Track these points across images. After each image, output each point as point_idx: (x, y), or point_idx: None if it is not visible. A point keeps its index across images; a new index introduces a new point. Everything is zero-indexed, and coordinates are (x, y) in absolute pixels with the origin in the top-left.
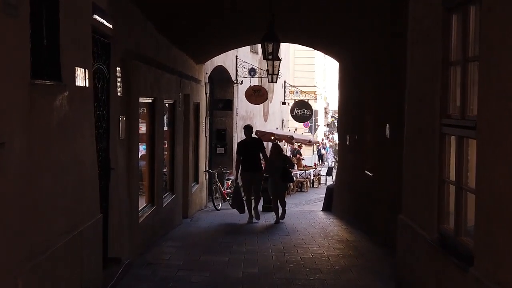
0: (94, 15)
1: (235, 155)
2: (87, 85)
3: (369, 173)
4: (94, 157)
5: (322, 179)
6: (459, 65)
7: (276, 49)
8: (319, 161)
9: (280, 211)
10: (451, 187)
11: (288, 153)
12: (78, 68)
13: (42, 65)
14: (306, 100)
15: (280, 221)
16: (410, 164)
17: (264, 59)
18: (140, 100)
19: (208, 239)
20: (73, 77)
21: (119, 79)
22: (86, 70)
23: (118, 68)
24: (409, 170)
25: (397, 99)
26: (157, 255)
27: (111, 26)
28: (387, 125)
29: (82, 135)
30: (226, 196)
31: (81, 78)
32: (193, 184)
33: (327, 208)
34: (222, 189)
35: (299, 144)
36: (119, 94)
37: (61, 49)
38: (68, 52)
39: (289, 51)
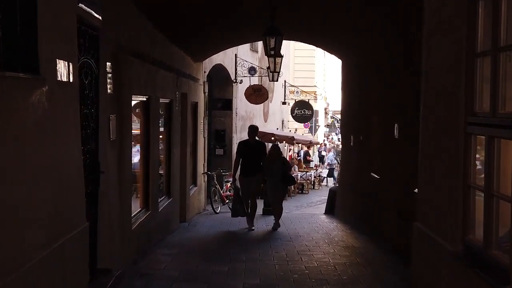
0: (80, 3)
1: (235, 156)
2: (71, 80)
3: (375, 175)
4: (79, 160)
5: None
6: (488, 55)
7: (279, 44)
8: (319, 163)
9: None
10: (478, 194)
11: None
12: (60, 60)
13: (16, 55)
14: (307, 100)
15: (273, 229)
16: (427, 167)
17: (265, 55)
18: (133, 99)
19: (206, 246)
20: (54, 71)
21: (109, 75)
22: (70, 63)
23: (108, 63)
24: (426, 173)
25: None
26: (151, 264)
27: (100, 17)
28: (396, 125)
29: (65, 136)
30: (225, 199)
31: (64, 72)
32: (191, 187)
33: (329, 211)
34: (221, 192)
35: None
36: (109, 91)
37: (39, 38)
38: (48, 42)
39: (289, 50)
